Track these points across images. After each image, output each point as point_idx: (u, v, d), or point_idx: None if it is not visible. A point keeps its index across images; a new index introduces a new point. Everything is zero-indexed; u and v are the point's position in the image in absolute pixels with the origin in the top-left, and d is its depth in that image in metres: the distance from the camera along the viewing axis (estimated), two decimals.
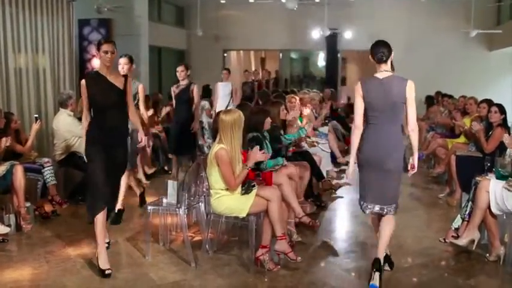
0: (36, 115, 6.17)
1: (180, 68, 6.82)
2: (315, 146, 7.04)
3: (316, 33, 14.84)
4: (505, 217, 4.38)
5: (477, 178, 4.63)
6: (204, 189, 4.66)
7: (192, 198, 4.65)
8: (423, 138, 8.77)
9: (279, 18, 15.26)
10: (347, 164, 8.67)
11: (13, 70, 6.85)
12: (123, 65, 5.58)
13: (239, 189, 4.21)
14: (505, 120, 5.67)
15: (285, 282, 4.01)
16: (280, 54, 17.95)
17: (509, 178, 4.39)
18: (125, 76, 4.35)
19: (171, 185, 4.45)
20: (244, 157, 4.30)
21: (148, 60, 12.30)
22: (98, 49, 4.16)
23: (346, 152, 9.85)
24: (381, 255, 3.89)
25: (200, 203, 4.71)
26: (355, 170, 3.97)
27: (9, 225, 4.97)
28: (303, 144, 6.60)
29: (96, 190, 4.10)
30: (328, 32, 13.97)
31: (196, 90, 6.89)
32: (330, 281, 4.07)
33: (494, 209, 4.34)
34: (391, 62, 3.91)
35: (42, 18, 7.32)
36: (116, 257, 4.44)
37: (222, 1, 14.50)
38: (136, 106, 5.68)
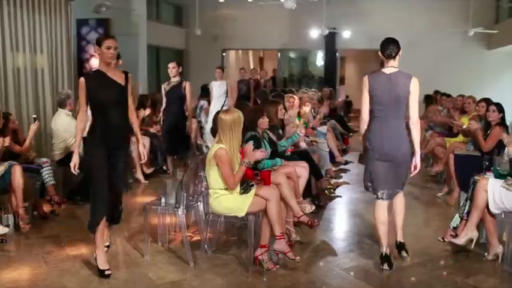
0: (35, 115, 6.17)
1: (171, 65, 6.70)
2: (313, 145, 7.04)
3: (315, 33, 14.85)
4: (503, 216, 4.38)
5: (475, 177, 4.63)
6: (203, 189, 4.66)
7: (190, 198, 4.64)
8: (422, 137, 8.77)
9: (278, 18, 15.27)
10: (346, 163, 8.81)
11: (11, 70, 6.84)
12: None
13: (238, 188, 4.21)
14: (503, 119, 5.67)
15: (283, 281, 4.01)
16: (279, 54, 17.95)
17: (508, 177, 4.40)
18: (125, 72, 4.15)
19: (170, 185, 4.45)
20: (242, 156, 4.31)
21: (147, 59, 12.30)
22: (99, 45, 3.95)
23: (344, 152, 9.88)
24: (402, 237, 4.35)
25: (199, 203, 4.71)
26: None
27: (7, 226, 4.96)
28: (302, 143, 6.60)
29: (97, 198, 3.96)
30: (326, 32, 13.97)
31: (189, 88, 6.71)
32: (328, 280, 4.07)
33: (492, 208, 4.35)
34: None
35: (40, 18, 7.31)
36: (115, 257, 4.44)
37: (220, 0, 14.48)
38: None
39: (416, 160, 4.15)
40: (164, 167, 8.13)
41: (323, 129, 8.37)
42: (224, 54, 17.13)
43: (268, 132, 5.41)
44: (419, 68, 10.06)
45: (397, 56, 4.05)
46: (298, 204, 4.74)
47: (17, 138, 5.78)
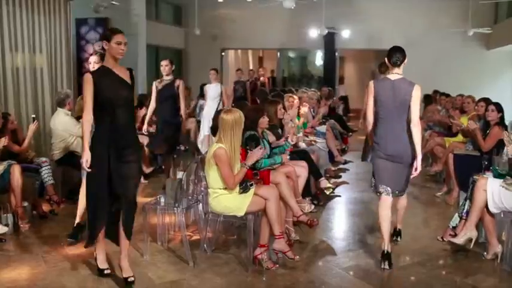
0: (34, 115, 6.16)
1: (164, 63, 6.53)
2: (312, 144, 7.05)
3: (314, 32, 14.86)
4: (502, 215, 4.38)
5: (475, 177, 4.64)
6: (202, 189, 4.66)
7: (190, 197, 4.64)
8: (421, 137, 8.76)
9: (277, 17, 15.27)
10: (345, 162, 8.82)
11: (10, 70, 6.84)
12: (93, 64, 4.88)
13: (237, 188, 4.21)
14: (502, 118, 5.67)
15: (283, 281, 4.01)
16: (278, 53, 17.95)
17: (507, 176, 4.41)
18: (130, 69, 3.90)
19: (169, 184, 4.45)
20: (242, 156, 4.30)
21: (146, 59, 12.30)
22: (108, 40, 3.68)
23: (343, 151, 9.89)
24: (400, 225, 4.72)
25: (198, 202, 4.71)
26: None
27: (7, 225, 4.96)
28: (301, 143, 6.60)
29: (96, 205, 3.76)
30: (326, 31, 13.97)
31: (182, 87, 6.52)
32: (328, 279, 4.07)
33: (491, 208, 4.35)
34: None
35: (39, 18, 7.30)
36: (114, 256, 4.44)
37: (219, 0, 14.49)
38: None
39: (418, 163, 4.23)
40: (163, 167, 8.12)
41: (322, 128, 8.38)
42: (223, 53, 17.14)
43: (268, 131, 5.41)
44: (418, 68, 10.11)
45: (402, 64, 4.25)
46: (298, 204, 4.74)
47: (16, 138, 5.78)
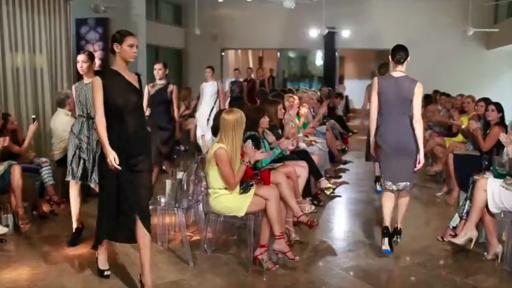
0: (34, 116, 6.16)
1: (158, 66, 6.34)
2: (312, 144, 7.05)
3: (314, 32, 14.87)
4: (502, 215, 4.38)
5: (475, 177, 4.63)
6: (203, 189, 4.66)
7: (190, 197, 4.64)
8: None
9: (277, 17, 15.28)
10: (345, 163, 8.82)
11: (10, 70, 6.84)
12: (81, 63, 4.69)
13: (237, 188, 4.21)
14: (502, 118, 5.67)
15: (283, 281, 4.01)
16: (278, 53, 17.95)
17: (507, 176, 4.41)
18: (138, 74, 3.77)
19: (169, 185, 4.45)
20: (242, 156, 4.30)
21: (146, 59, 12.30)
22: (119, 42, 3.55)
23: (343, 151, 9.89)
24: (401, 225, 4.62)
25: (198, 203, 4.71)
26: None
27: (7, 226, 4.95)
28: (301, 143, 6.60)
29: (107, 212, 3.68)
30: (325, 31, 13.98)
31: (175, 92, 6.34)
32: (328, 280, 4.07)
33: (491, 208, 4.35)
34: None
35: (39, 18, 7.31)
36: (115, 257, 4.44)
37: (219, 0, 14.49)
38: None
39: (420, 156, 4.39)
40: (164, 167, 8.12)
41: (322, 129, 8.38)
42: (223, 53, 17.14)
43: (268, 132, 5.41)
44: (418, 67, 10.08)
45: (405, 62, 4.41)
46: (298, 204, 4.74)
47: (16, 138, 5.78)
